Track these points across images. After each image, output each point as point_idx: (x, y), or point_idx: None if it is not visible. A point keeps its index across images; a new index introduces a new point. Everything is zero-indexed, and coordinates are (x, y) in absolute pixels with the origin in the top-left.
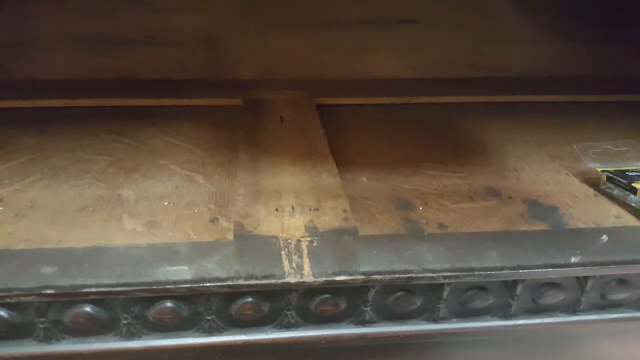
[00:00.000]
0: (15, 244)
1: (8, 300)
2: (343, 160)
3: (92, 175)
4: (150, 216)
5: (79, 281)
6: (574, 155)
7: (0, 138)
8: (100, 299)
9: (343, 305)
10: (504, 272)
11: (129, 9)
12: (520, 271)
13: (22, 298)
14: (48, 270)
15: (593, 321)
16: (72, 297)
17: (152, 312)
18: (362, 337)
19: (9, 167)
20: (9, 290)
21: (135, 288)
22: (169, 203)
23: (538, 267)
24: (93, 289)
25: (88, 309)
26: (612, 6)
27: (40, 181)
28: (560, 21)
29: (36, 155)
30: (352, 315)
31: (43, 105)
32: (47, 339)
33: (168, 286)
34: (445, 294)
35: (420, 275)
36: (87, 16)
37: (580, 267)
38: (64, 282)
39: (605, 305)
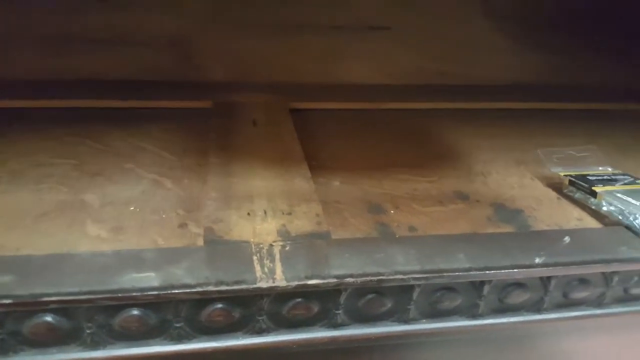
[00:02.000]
0: None
1: None
2: (316, 164)
3: (54, 180)
4: (115, 222)
5: (38, 290)
6: (539, 160)
7: None
8: (63, 308)
9: (315, 309)
10: (471, 273)
11: (95, 8)
12: (487, 272)
13: None
14: (5, 278)
15: (556, 319)
16: (32, 306)
17: (117, 321)
18: (334, 340)
19: None
20: None
21: (99, 296)
22: (135, 208)
23: (504, 267)
24: (54, 298)
25: (49, 318)
26: (577, 16)
27: None
28: (528, 31)
29: None
30: (324, 319)
31: (3, 106)
32: (4, 351)
33: (134, 294)
34: (415, 295)
35: (392, 277)
36: (51, 15)
37: (544, 268)
38: (23, 291)
39: (568, 303)
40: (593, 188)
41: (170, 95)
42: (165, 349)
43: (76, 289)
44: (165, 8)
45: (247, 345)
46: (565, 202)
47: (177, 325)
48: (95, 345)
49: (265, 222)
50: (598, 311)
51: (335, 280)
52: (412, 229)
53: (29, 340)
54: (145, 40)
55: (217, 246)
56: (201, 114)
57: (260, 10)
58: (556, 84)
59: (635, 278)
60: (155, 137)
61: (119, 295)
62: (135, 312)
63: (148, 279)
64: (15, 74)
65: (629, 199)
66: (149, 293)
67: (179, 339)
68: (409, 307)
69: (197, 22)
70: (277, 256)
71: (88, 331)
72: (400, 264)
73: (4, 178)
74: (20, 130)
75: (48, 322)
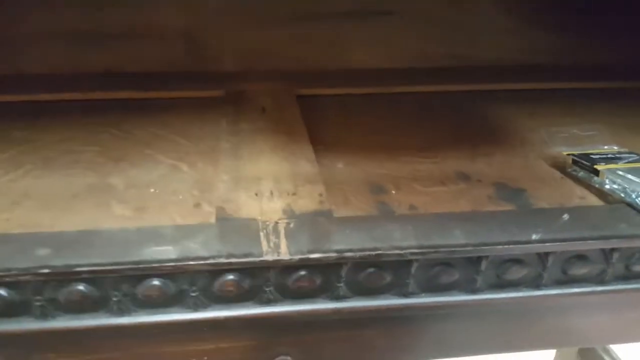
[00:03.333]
0: (12, 229)
1: (6, 279)
2: (321, 148)
3: (82, 165)
4: (138, 202)
5: (72, 261)
6: (543, 140)
7: None
8: (92, 278)
9: (318, 282)
10: (467, 249)
11: (114, 5)
12: (483, 247)
13: (20, 277)
14: (43, 251)
15: (556, 295)
16: (66, 276)
17: (140, 290)
18: (337, 311)
19: (1, 159)
20: (7, 270)
21: (124, 267)
22: (155, 190)
23: (500, 243)
24: (85, 268)
25: (81, 287)
26: None
27: (32, 171)
28: (534, 10)
29: (27, 147)
30: (327, 291)
31: (32, 99)
32: (44, 316)
33: (154, 265)
34: (413, 270)
35: (389, 252)
36: (74, 12)
37: (540, 244)
38: (58, 262)
39: (567, 280)
40: (595, 166)
41: (184, 85)
42: (182, 317)
43: (104, 260)
44: (178, 3)
45: (256, 314)
46: (568, 181)
47: (193, 294)
48: (120, 312)
49: (271, 201)
50: (599, 288)
51: (335, 254)
52: (412, 207)
53: (64, 306)
54: (160, 34)
55: (228, 223)
56: (214, 103)
57: (266, 1)
58: (568, 63)
59: (637, 255)
60: (171, 125)
61: (141, 266)
62: (155, 282)
63: (166, 252)
64: (42, 68)
65: (632, 177)
66: (167, 264)
67: (195, 307)
68: (407, 281)
69: (207, 15)
70: (282, 232)
71: (114, 299)
72: (397, 240)
73: (38, 164)
74: (48, 121)
75: (80, 291)
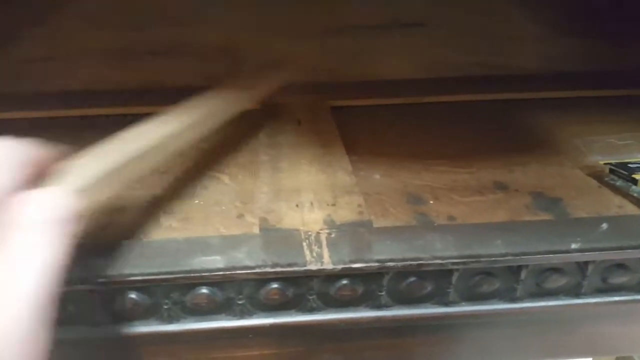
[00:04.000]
0: None
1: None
2: (357, 159)
3: None
4: (183, 213)
5: (125, 270)
6: (579, 149)
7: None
8: (144, 287)
9: (360, 291)
10: (507, 258)
11: (153, 22)
12: (523, 257)
13: (77, 287)
14: (97, 261)
15: (595, 304)
16: (120, 284)
17: (189, 298)
18: (378, 319)
19: None
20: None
21: (174, 276)
22: (199, 201)
23: (540, 253)
24: (138, 277)
25: (134, 295)
26: (620, 2)
27: None
28: (565, 18)
29: None
30: (368, 300)
31: (76, 115)
32: (97, 323)
33: (204, 274)
34: (454, 279)
35: (430, 262)
36: (116, 31)
37: (580, 253)
38: (113, 272)
39: (607, 288)
40: (633, 175)
41: None
42: (229, 324)
43: (155, 270)
44: (214, 21)
45: (299, 322)
46: (606, 190)
47: (240, 302)
48: (170, 319)
49: (312, 212)
50: (639, 297)
51: (377, 264)
52: (451, 218)
53: (117, 314)
54: (198, 50)
55: (271, 233)
56: (251, 116)
57: (296, 16)
58: (597, 70)
59: None
60: (211, 138)
61: (191, 275)
62: (204, 290)
63: (214, 262)
64: (86, 85)
65: None
66: (216, 273)
67: (241, 315)
68: (448, 290)
69: (243, 31)
70: (324, 242)
71: (165, 307)
72: (438, 250)
73: None
74: (92, 136)
75: (133, 299)
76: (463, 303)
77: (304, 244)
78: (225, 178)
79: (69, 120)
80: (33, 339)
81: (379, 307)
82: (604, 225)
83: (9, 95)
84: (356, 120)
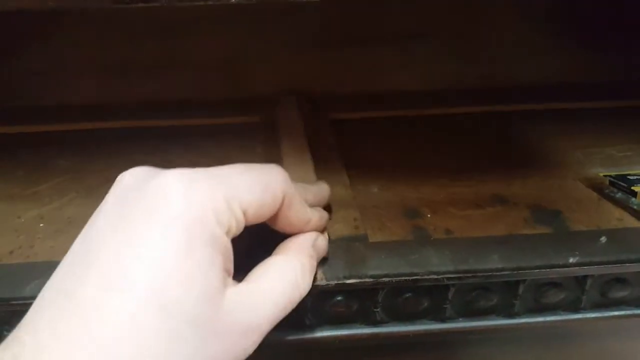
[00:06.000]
0: (57, 257)
1: None
2: (355, 172)
3: None
4: None
5: None
6: (580, 161)
7: (38, 160)
8: None
9: (355, 307)
10: (504, 273)
11: (152, 37)
12: (520, 272)
13: None
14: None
15: (595, 319)
16: None
17: None
18: (374, 336)
19: (47, 187)
20: None
21: None
22: None
23: (537, 267)
24: None
25: None
26: (621, 14)
27: (75, 200)
28: (569, 29)
29: (71, 176)
30: (363, 316)
31: (75, 129)
32: None
33: None
34: (450, 295)
35: (426, 277)
36: (115, 46)
37: (578, 267)
38: None
39: (606, 303)
40: (633, 187)
41: (221, 112)
42: None
43: None
44: (213, 34)
45: (293, 339)
46: (605, 203)
47: None
48: None
49: None
50: (639, 311)
51: (371, 279)
52: (448, 232)
53: None
54: (197, 63)
55: None
56: (251, 129)
57: (297, 28)
58: (601, 82)
59: None
60: (209, 152)
61: None
62: None
63: None
64: (86, 100)
65: None
66: None
67: None
68: (445, 306)
69: (242, 44)
70: None
71: None
72: (434, 265)
73: (82, 192)
74: (91, 149)
75: None
76: (460, 319)
77: None
78: None
79: (67, 134)
80: None
81: (375, 323)
82: (603, 239)
83: (7, 110)
84: (356, 133)
